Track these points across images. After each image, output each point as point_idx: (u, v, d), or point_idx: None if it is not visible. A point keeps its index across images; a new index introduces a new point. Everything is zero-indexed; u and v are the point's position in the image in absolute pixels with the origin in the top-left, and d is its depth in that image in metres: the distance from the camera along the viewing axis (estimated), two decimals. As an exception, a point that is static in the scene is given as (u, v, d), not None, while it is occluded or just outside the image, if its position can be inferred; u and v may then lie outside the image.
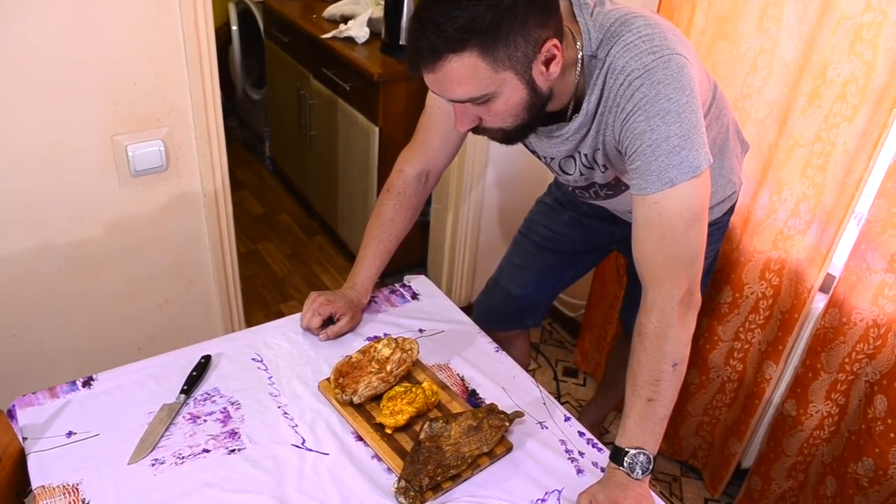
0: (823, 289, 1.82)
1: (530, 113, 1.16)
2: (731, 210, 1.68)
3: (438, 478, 1.17)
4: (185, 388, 1.32)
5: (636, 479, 1.17)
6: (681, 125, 1.12)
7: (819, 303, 1.82)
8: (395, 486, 1.16)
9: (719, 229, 1.69)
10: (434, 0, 1.06)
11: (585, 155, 1.32)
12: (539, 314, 1.93)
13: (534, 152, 1.44)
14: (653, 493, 1.20)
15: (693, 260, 1.18)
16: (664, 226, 1.16)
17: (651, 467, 1.18)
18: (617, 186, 1.43)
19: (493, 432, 1.24)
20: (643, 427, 1.19)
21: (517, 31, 1.06)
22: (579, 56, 1.18)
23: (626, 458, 1.18)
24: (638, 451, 1.18)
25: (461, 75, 1.07)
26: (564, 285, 1.89)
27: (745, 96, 1.81)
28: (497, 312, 1.91)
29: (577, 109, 1.24)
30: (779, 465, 1.99)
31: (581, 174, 1.39)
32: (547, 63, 1.12)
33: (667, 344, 1.18)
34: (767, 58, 1.74)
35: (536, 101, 1.15)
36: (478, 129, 1.20)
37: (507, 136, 1.21)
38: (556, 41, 1.11)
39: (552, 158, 1.41)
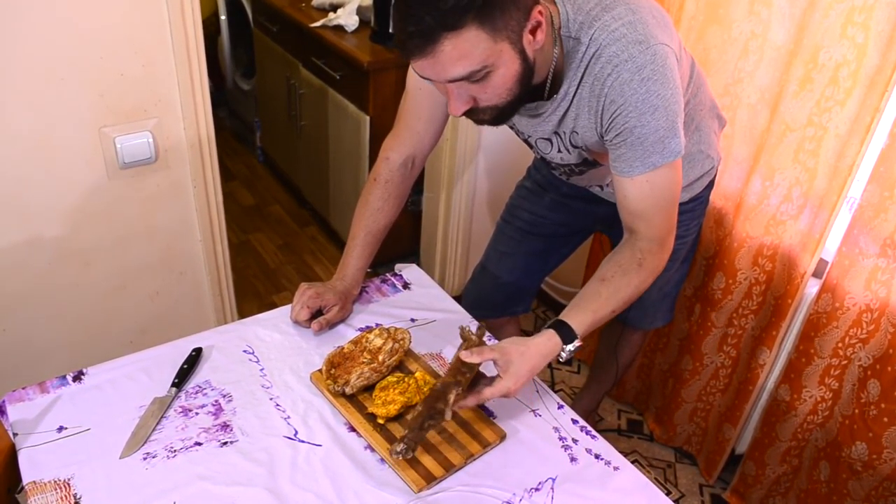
0: (816, 274, 1.82)
1: (522, 86, 1.15)
2: (710, 185, 1.70)
3: (426, 425, 1.15)
4: (177, 381, 1.31)
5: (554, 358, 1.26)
6: (667, 118, 1.18)
7: (812, 288, 1.82)
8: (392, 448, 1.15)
9: (700, 204, 1.70)
10: None
11: (563, 136, 1.33)
12: (528, 300, 1.93)
13: (512, 127, 1.44)
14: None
15: (673, 213, 1.32)
16: (655, 196, 1.27)
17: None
18: (593, 163, 1.44)
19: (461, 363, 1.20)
20: (589, 318, 1.27)
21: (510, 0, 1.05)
22: (557, 34, 1.19)
23: (569, 346, 1.25)
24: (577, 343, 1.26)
25: (461, 50, 1.04)
26: (550, 269, 1.89)
27: (737, 81, 1.81)
28: (486, 300, 1.91)
29: (555, 89, 1.24)
30: (773, 450, 1.99)
31: (559, 152, 1.40)
32: (534, 31, 1.11)
33: (644, 272, 1.30)
34: (759, 42, 1.73)
35: (527, 73, 1.14)
36: (471, 112, 1.18)
37: (500, 114, 1.19)
38: (541, 7, 1.10)
39: (529, 136, 1.42)
